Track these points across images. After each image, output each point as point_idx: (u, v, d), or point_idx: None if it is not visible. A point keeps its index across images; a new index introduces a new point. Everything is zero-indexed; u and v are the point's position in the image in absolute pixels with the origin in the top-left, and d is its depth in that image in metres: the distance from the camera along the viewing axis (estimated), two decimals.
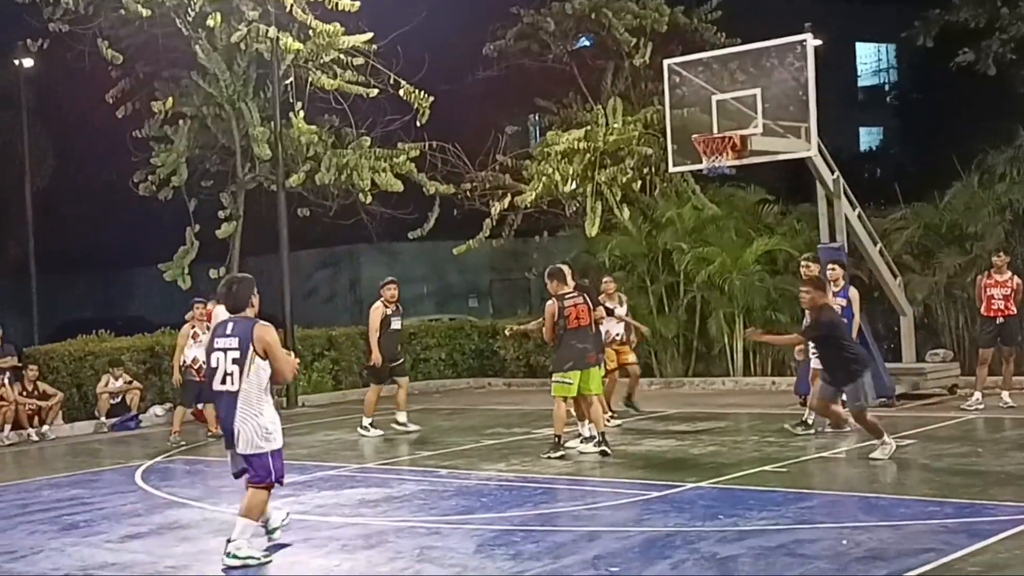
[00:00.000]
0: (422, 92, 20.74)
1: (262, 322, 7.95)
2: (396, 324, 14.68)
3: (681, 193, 21.37)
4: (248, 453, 7.84)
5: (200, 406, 15.67)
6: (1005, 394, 14.47)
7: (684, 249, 20.15)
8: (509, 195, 22.42)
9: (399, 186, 21.33)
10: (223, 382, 7.85)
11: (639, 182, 21.72)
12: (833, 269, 14.79)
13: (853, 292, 14.86)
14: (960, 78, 21.18)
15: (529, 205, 22.27)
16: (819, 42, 15.80)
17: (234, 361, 7.79)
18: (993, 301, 14.68)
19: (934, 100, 32.48)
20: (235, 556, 7.83)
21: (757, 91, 15.08)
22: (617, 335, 14.79)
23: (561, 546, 8.06)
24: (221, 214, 21.13)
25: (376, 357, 14.42)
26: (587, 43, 25.20)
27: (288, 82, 20.82)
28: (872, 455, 10.84)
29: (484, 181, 22.91)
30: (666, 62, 16.53)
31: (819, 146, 15.18)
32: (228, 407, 7.85)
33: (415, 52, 21.69)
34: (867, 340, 15.16)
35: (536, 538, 8.35)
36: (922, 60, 30.90)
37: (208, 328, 16.12)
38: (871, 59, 42.75)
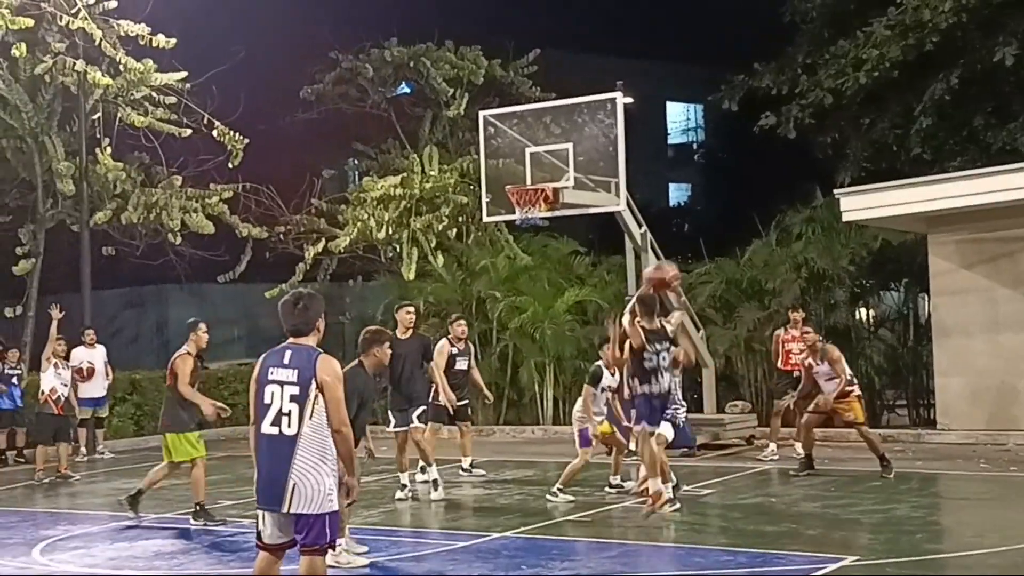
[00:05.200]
0: (236, 133, 20.37)
1: (327, 355, 6.57)
2: (462, 364, 14.05)
3: (495, 242, 21.63)
4: (310, 512, 6.38)
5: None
6: (798, 445, 15.02)
7: (497, 297, 20.34)
8: (324, 239, 22.22)
9: (210, 227, 20.89)
10: (275, 423, 6.44)
11: (454, 230, 21.87)
12: None
13: None
14: (763, 139, 22.15)
15: (343, 250, 22.12)
16: (630, 100, 16.28)
17: (292, 398, 6.40)
18: (791, 355, 15.27)
19: (738, 160, 33.93)
20: None
21: (569, 145, 15.40)
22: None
23: None
24: (19, 251, 20.22)
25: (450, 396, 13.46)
26: (407, 90, 25.34)
27: (96, 117, 20.16)
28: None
29: (298, 224, 22.65)
30: (482, 113, 16.78)
31: (628, 200, 15.60)
32: (280, 455, 6.38)
33: (232, 92, 21.36)
34: None
35: None
36: (728, 121, 32.25)
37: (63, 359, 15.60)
38: (680, 118, 44.39)
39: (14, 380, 16.92)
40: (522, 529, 10.37)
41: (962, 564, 8.72)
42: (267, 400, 6.40)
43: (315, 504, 6.33)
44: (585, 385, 12.16)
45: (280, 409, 6.36)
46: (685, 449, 15.44)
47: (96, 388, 17.35)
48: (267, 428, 6.39)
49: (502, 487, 13.24)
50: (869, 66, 18.85)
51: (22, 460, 17.21)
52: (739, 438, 16.59)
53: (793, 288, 18.78)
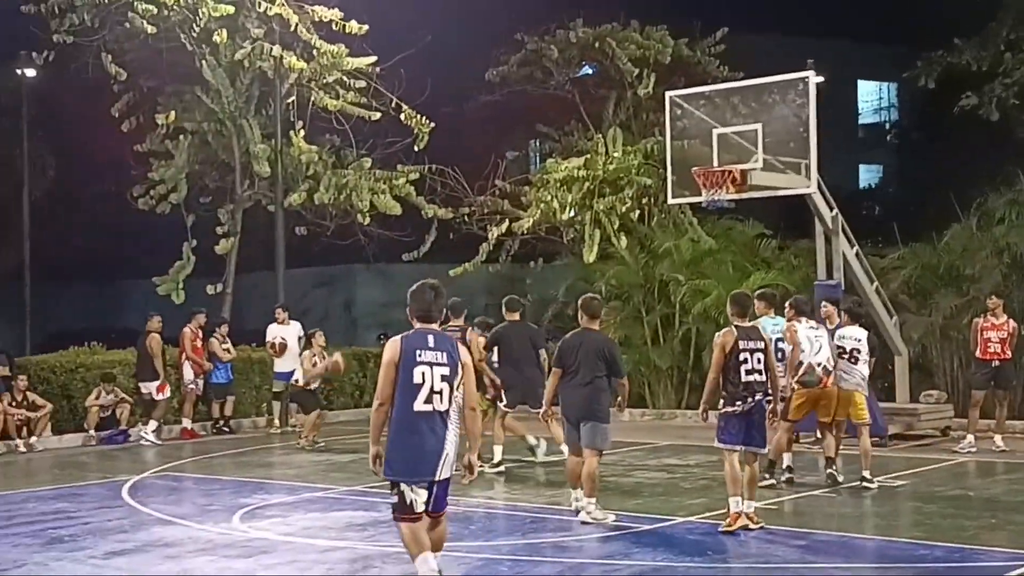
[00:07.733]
0: (422, 117, 20.77)
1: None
2: None
3: (679, 225, 21.37)
4: (448, 478, 7.06)
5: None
6: (998, 438, 14.41)
7: (681, 281, 20.09)
8: (507, 220, 22.41)
9: (397, 208, 21.34)
10: (428, 401, 6.97)
11: (637, 212, 21.70)
12: (825, 307, 14.73)
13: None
14: (961, 119, 21.21)
15: (526, 231, 22.25)
16: (821, 79, 15.85)
17: (443, 378, 6.98)
18: (989, 344, 14.67)
19: (934, 140, 32.52)
20: None
21: (758, 126, 15.11)
22: None
23: None
24: (219, 230, 21.13)
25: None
26: (590, 71, 25.26)
27: (290, 101, 20.87)
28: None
29: (482, 205, 22.89)
30: (668, 94, 16.57)
31: (819, 183, 15.19)
32: (435, 429, 6.97)
33: (419, 75, 21.75)
34: None
35: (523, 569, 8.27)
36: (923, 100, 31.02)
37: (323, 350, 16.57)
38: (872, 97, 42.90)
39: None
40: (707, 515, 10.25)
41: None
42: (417, 380, 6.93)
43: (451, 471, 7.04)
44: None
45: (432, 387, 6.93)
46: (876, 439, 15.01)
47: (288, 363, 17.89)
48: (420, 406, 6.93)
49: (686, 472, 13.12)
50: None
51: (227, 430, 18.04)
52: (934, 429, 15.99)
53: (994, 274, 17.91)
